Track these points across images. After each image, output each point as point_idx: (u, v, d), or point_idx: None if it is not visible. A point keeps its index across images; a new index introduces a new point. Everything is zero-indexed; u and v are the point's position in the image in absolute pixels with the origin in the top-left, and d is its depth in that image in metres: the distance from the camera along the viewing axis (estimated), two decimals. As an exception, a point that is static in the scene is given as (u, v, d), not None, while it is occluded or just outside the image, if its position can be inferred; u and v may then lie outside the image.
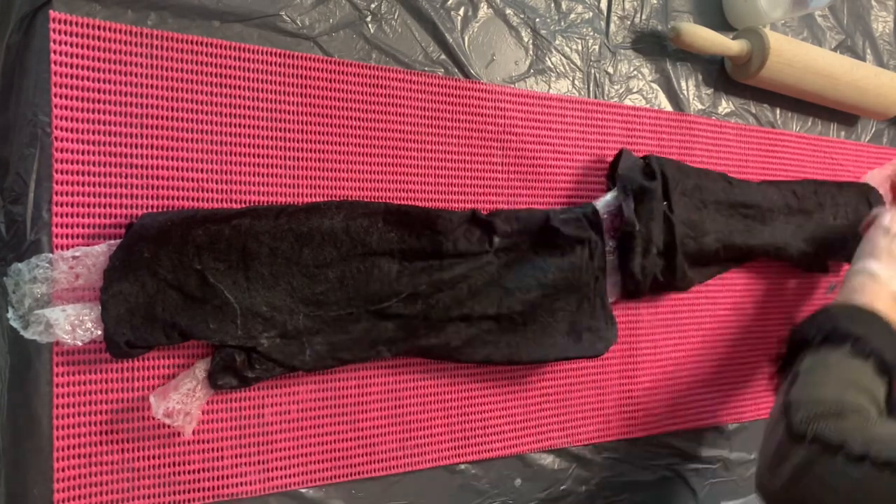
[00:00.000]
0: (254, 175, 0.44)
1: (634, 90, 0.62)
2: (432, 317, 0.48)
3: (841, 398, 0.44)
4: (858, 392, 0.45)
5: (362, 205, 0.46)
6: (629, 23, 0.62)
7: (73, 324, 0.38)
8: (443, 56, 0.52)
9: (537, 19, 0.57)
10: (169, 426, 0.42)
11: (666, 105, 0.64)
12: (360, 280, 0.46)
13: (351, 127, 0.48)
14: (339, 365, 0.46)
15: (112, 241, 0.40)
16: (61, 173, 0.39)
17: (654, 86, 0.63)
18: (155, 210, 0.42)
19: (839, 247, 0.70)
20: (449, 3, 0.52)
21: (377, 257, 0.46)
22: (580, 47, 0.59)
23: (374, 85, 0.48)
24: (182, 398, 0.41)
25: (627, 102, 0.61)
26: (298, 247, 0.44)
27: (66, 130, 0.39)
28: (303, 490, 0.47)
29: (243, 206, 0.44)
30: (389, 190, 0.49)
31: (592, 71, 0.59)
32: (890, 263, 0.57)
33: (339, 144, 0.47)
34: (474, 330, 0.49)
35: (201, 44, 0.43)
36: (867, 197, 0.73)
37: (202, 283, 0.41)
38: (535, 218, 0.52)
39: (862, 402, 0.44)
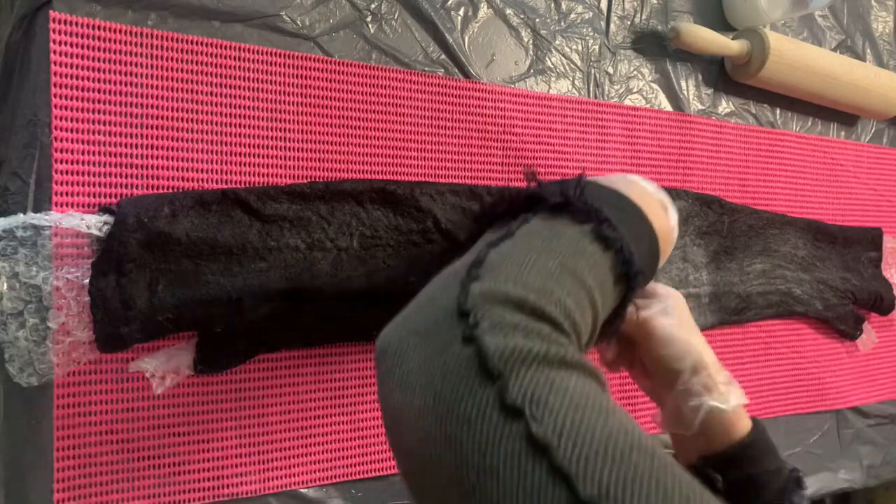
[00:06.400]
0: (254, 175, 0.44)
1: (634, 90, 0.62)
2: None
3: (544, 294, 0.30)
4: (576, 291, 0.31)
5: (348, 184, 0.46)
6: (629, 23, 0.62)
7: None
8: (443, 56, 0.52)
9: (537, 19, 0.57)
10: (168, 427, 0.42)
11: (666, 105, 0.64)
12: (349, 262, 0.46)
13: (351, 127, 0.48)
14: (328, 343, 0.46)
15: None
16: (61, 173, 0.39)
17: (654, 86, 0.63)
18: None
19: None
20: (449, 3, 0.52)
21: (365, 238, 0.46)
22: (580, 47, 0.59)
23: (374, 85, 0.48)
24: (161, 364, 0.41)
25: (627, 102, 0.61)
26: (289, 230, 0.44)
27: (66, 130, 0.39)
28: (303, 490, 0.47)
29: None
30: (389, 190, 0.49)
31: (592, 71, 0.59)
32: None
33: (340, 144, 0.47)
34: None
35: (201, 44, 0.43)
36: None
37: (193, 272, 0.41)
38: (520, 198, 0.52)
39: (569, 308, 0.30)
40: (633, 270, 0.35)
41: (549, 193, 0.36)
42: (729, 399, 0.40)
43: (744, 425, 0.40)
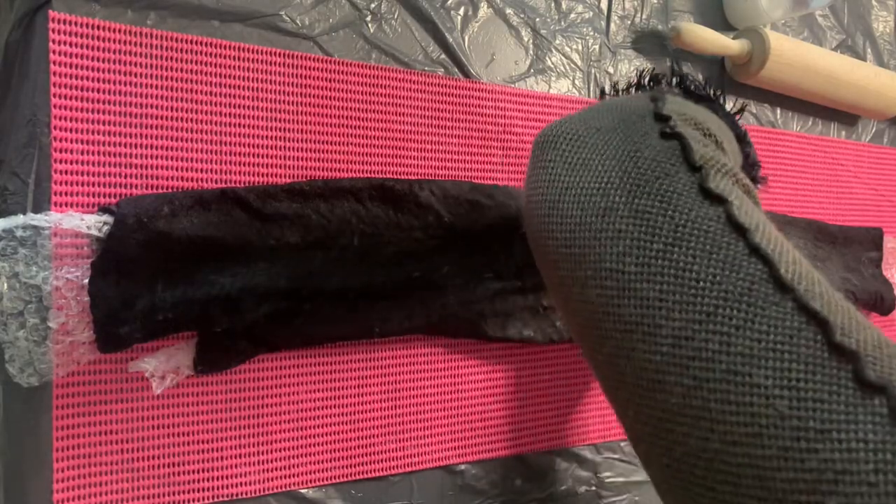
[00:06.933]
0: (254, 175, 0.44)
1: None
2: (415, 295, 0.48)
3: (719, 134, 0.33)
4: (733, 151, 0.35)
5: (347, 182, 0.46)
6: (629, 23, 0.62)
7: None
8: (443, 56, 0.52)
9: (537, 19, 0.57)
10: (168, 427, 0.42)
11: (666, 105, 0.64)
12: (350, 260, 0.46)
13: (351, 127, 0.48)
14: (331, 342, 0.46)
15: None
16: (60, 173, 0.39)
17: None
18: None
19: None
20: (449, 2, 0.52)
21: (366, 236, 0.46)
22: (580, 47, 0.59)
23: (374, 85, 0.48)
24: (161, 364, 0.41)
25: (628, 102, 0.61)
26: (288, 229, 0.44)
27: (65, 130, 0.39)
28: (303, 490, 0.47)
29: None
30: (389, 190, 0.49)
31: (592, 71, 0.59)
32: None
33: (339, 144, 0.47)
34: (450, 309, 0.50)
35: (201, 44, 0.43)
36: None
37: (192, 272, 0.41)
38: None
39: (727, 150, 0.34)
40: (756, 171, 0.38)
41: (693, 84, 0.39)
42: None
43: None
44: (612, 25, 0.61)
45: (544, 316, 0.53)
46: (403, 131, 0.50)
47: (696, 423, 0.24)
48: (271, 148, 0.45)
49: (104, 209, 0.39)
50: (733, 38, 0.65)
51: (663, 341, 0.25)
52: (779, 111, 0.72)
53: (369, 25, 0.49)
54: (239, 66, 0.44)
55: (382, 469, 0.49)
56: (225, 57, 0.44)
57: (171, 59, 0.42)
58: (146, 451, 0.42)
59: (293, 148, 0.46)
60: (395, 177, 0.49)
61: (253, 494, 0.45)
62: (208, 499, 0.44)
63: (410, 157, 0.50)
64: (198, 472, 0.43)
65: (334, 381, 0.48)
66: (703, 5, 0.67)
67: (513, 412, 0.55)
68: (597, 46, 0.60)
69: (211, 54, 0.43)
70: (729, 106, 0.67)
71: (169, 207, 0.40)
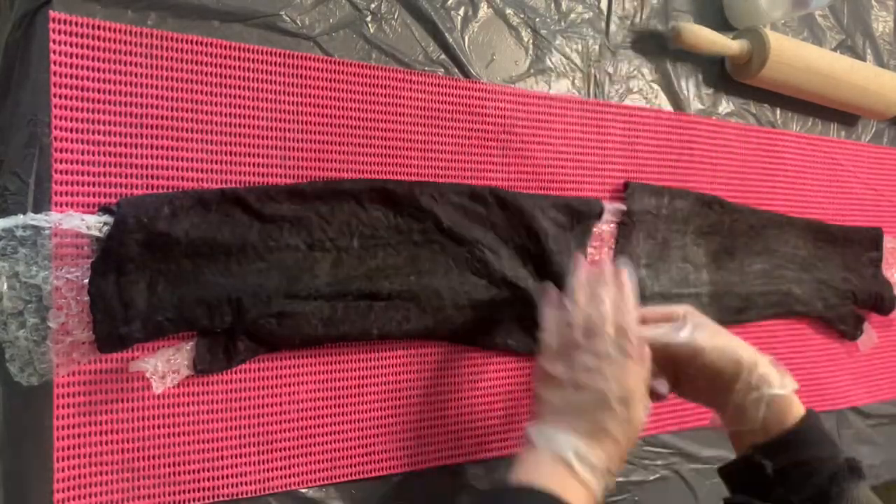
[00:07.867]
0: (254, 175, 0.44)
1: (634, 90, 0.62)
2: (412, 298, 0.48)
3: None
4: None
5: (348, 183, 0.46)
6: (629, 23, 0.62)
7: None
8: (443, 56, 0.52)
9: (537, 19, 0.57)
10: (168, 427, 0.42)
11: (666, 105, 0.64)
12: (349, 262, 0.46)
13: (351, 127, 0.48)
14: (329, 342, 0.46)
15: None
16: (60, 173, 0.39)
17: (654, 86, 0.63)
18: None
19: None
20: (449, 3, 0.52)
21: (365, 238, 0.46)
22: (580, 47, 0.59)
23: (373, 85, 0.48)
24: (161, 364, 0.41)
25: (627, 102, 0.61)
26: (288, 230, 0.44)
27: (66, 130, 0.39)
28: (303, 490, 0.47)
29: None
30: (389, 190, 0.49)
31: (592, 71, 0.59)
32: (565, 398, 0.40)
33: (340, 144, 0.47)
34: (447, 312, 0.50)
35: (201, 44, 0.43)
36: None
37: (192, 272, 0.41)
38: (524, 214, 0.52)
39: None
40: None
41: None
42: (786, 384, 0.43)
43: (797, 410, 0.42)
44: (612, 26, 0.61)
45: (527, 328, 0.53)
46: (403, 131, 0.50)
47: None
48: (271, 148, 0.45)
49: (104, 209, 0.39)
50: (733, 38, 0.65)
51: None
52: (779, 111, 0.72)
53: (369, 25, 0.49)
54: (239, 66, 0.44)
55: (382, 469, 0.49)
56: (225, 57, 0.44)
57: (171, 59, 0.42)
58: (146, 451, 0.42)
59: (293, 148, 0.46)
60: (395, 177, 0.49)
61: (253, 494, 0.45)
62: (208, 499, 0.44)
63: (410, 157, 0.50)
64: (198, 472, 0.43)
65: (334, 381, 0.48)
66: (703, 5, 0.67)
67: (512, 412, 0.55)
68: (597, 46, 0.60)
69: (211, 54, 0.43)
70: (725, 107, 0.67)
71: (169, 208, 0.40)
